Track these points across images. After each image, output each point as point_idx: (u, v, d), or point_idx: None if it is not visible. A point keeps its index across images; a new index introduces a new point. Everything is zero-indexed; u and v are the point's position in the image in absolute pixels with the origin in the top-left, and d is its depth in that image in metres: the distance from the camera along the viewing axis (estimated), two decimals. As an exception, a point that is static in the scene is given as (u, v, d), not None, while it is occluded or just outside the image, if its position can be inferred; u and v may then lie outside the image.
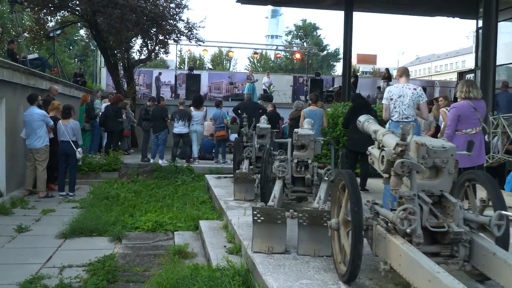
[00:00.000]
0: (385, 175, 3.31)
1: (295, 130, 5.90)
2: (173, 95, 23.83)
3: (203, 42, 19.75)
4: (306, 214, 4.14)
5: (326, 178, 5.29)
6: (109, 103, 12.39)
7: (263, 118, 9.41)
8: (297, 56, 26.09)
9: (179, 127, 11.74)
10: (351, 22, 18.77)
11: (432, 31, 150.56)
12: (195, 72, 23.79)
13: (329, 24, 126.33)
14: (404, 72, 6.37)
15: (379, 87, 21.98)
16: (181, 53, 33.46)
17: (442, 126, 7.53)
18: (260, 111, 11.74)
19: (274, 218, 4.23)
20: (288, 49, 33.57)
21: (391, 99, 5.99)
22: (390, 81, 22.46)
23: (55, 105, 9.41)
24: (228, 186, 8.29)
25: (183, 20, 18.37)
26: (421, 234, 3.00)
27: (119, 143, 12.82)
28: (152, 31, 17.80)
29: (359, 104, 7.98)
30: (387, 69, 22.67)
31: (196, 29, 18.62)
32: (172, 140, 12.20)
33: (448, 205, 3.22)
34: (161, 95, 20.11)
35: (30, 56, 14.36)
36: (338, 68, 59.75)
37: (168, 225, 6.43)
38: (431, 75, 71.18)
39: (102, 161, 11.09)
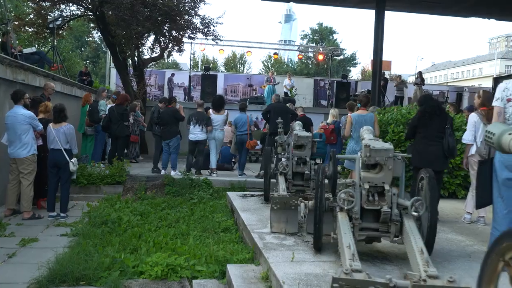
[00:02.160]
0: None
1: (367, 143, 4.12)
2: (186, 97, 22.28)
3: (221, 40, 18.06)
4: None
5: (415, 213, 3.88)
6: (113, 104, 10.69)
7: (298, 124, 7.66)
8: (320, 57, 24.22)
9: (195, 133, 10.00)
10: (383, 21, 17.32)
11: (447, 38, 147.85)
12: (211, 72, 22.11)
13: (346, 28, 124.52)
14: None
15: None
16: (194, 56, 31.91)
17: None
18: (291, 115, 9.97)
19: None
20: (310, 50, 31.63)
21: (510, 100, 4.13)
22: (423, 85, 20.60)
23: (48, 107, 7.71)
24: (258, 209, 6.52)
25: (199, 16, 16.76)
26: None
27: (125, 151, 11.12)
28: (165, 27, 16.17)
29: (430, 107, 6.15)
30: (420, 73, 20.74)
31: (214, 26, 17.03)
32: (186, 147, 10.48)
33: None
34: (173, 96, 18.46)
35: (27, 50, 12.84)
36: (354, 73, 58.07)
37: (184, 270, 4.65)
38: (447, 83, 69.51)
39: (105, 172, 9.37)
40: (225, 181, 9.73)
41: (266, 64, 58.07)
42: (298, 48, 27.61)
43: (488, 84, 45.22)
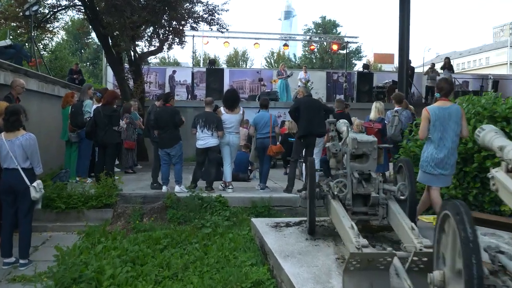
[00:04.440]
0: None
1: None
2: (189, 96, 20.18)
3: (227, 30, 15.93)
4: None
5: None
6: (99, 105, 8.54)
7: (344, 123, 5.55)
8: (334, 47, 22.04)
9: (204, 138, 7.86)
10: (408, 6, 15.30)
11: (449, 28, 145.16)
12: (216, 67, 20.02)
13: (349, 21, 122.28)
14: None
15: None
16: (195, 53, 29.87)
17: None
18: (324, 112, 7.82)
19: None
20: (323, 40, 29.42)
21: None
22: (453, 72, 18.41)
23: (1, 109, 5.57)
24: (306, 253, 4.37)
25: (201, 3, 14.63)
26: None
27: (116, 162, 9.01)
28: (164, 17, 14.06)
29: None
30: (447, 59, 18.53)
31: (218, 13, 14.92)
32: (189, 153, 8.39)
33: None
34: (176, 95, 16.37)
35: (0, 43, 10.70)
36: (359, 66, 55.94)
37: None
38: (463, 71, 67.37)
39: (89, 192, 7.26)
40: (245, 198, 7.60)
41: (268, 60, 56.02)
42: (310, 38, 25.38)
43: (500, 72, 43.02)
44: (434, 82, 17.07)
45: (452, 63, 19.02)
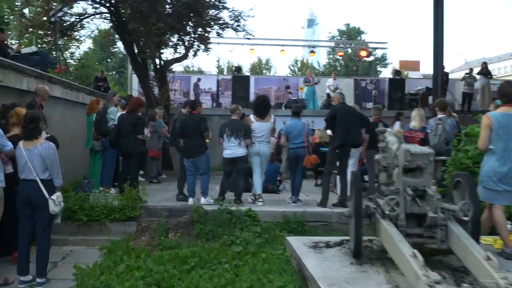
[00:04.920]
0: None
1: None
2: (214, 103, 19.86)
3: (253, 36, 15.55)
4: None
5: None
6: (123, 112, 8.19)
7: (389, 133, 5.03)
8: (362, 53, 21.45)
9: (231, 148, 7.41)
10: (442, 7, 14.74)
11: (476, 35, 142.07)
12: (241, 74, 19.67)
13: (372, 28, 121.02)
14: None
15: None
16: (219, 62, 29.67)
17: None
18: (361, 121, 7.29)
19: None
20: (351, 47, 28.85)
21: None
22: (491, 76, 17.54)
23: (19, 115, 5.21)
24: (353, 281, 3.84)
25: (227, 8, 14.29)
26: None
27: (141, 172, 8.63)
28: (189, 24, 13.79)
29: None
30: (485, 63, 17.69)
31: (244, 19, 14.57)
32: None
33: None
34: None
35: (26, 50, 10.52)
36: (384, 74, 55.05)
37: None
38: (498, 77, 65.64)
39: (112, 203, 6.88)
40: (276, 212, 7.10)
41: (292, 68, 55.53)
42: (338, 45, 24.83)
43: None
44: (471, 89, 16.33)
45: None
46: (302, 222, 6.85)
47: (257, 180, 7.60)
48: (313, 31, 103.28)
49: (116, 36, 19.22)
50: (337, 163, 7.53)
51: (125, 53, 21.02)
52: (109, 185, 8.49)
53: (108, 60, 47.11)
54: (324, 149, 9.69)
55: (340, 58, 40.07)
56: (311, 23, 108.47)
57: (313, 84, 17.60)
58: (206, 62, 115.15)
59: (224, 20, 14.35)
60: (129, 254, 5.27)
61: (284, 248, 5.51)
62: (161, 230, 6.27)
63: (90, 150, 8.77)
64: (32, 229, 4.81)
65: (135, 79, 18.34)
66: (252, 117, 7.70)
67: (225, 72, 37.22)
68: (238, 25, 14.54)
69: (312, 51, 22.16)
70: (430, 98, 16.06)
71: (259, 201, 7.51)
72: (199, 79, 21.92)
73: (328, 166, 7.50)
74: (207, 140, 7.50)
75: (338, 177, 7.95)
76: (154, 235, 6.19)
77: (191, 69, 47.89)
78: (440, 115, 7.69)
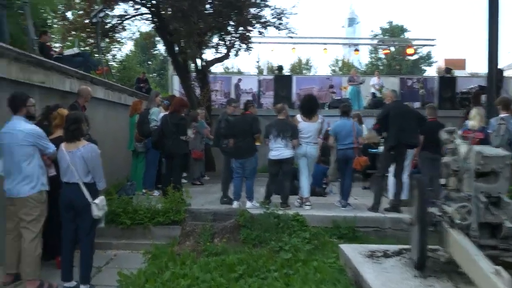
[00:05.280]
0: None
1: None
2: (255, 104, 19.59)
3: (296, 34, 15.16)
4: None
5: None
6: (166, 113, 8.02)
7: (446, 132, 4.57)
8: (409, 51, 20.67)
9: (278, 149, 7.10)
10: (497, 9, 13.77)
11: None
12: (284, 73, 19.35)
13: (415, 26, 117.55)
14: None
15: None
16: (258, 62, 29.47)
17: None
18: (417, 120, 6.81)
19: None
20: (397, 44, 27.94)
21: None
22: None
23: (62, 116, 5.08)
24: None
25: (269, 6, 13.97)
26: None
27: (184, 174, 8.45)
28: (231, 23, 13.58)
29: None
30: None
31: (287, 17, 14.20)
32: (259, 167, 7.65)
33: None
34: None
35: (68, 52, 10.63)
36: (428, 73, 53.23)
37: None
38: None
39: (156, 206, 6.71)
40: (324, 217, 6.72)
41: (333, 67, 54.65)
42: (383, 43, 24.11)
43: None
44: (529, 87, 15.34)
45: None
46: (353, 228, 6.46)
47: (304, 183, 7.25)
48: (354, 30, 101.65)
49: (157, 38, 19.34)
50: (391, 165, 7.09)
51: (165, 55, 21.15)
52: (151, 187, 8.36)
53: (149, 62, 47.87)
54: (373, 150, 9.23)
55: (384, 56, 38.91)
56: (351, 22, 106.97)
57: (358, 84, 17.04)
58: (246, 63, 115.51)
59: (266, 18, 14.06)
60: (174, 260, 5.04)
61: (336, 256, 5.15)
62: (206, 234, 6.02)
63: (132, 151, 8.68)
64: (75, 233, 4.66)
65: (176, 80, 18.35)
66: (299, 116, 7.36)
67: (265, 73, 37.02)
68: (281, 23, 14.18)
69: (356, 49, 21.52)
70: (483, 97, 15.17)
71: (306, 205, 7.16)
72: (239, 80, 21.73)
73: (381, 168, 7.06)
74: (257, 143, 7.24)
75: (390, 180, 7.49)
76: (199, 240, 5.95)
77: (230, 70, 48.08)
78: (502, 114, 7.08)
